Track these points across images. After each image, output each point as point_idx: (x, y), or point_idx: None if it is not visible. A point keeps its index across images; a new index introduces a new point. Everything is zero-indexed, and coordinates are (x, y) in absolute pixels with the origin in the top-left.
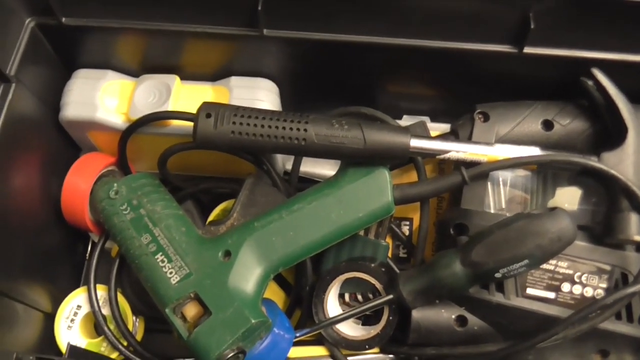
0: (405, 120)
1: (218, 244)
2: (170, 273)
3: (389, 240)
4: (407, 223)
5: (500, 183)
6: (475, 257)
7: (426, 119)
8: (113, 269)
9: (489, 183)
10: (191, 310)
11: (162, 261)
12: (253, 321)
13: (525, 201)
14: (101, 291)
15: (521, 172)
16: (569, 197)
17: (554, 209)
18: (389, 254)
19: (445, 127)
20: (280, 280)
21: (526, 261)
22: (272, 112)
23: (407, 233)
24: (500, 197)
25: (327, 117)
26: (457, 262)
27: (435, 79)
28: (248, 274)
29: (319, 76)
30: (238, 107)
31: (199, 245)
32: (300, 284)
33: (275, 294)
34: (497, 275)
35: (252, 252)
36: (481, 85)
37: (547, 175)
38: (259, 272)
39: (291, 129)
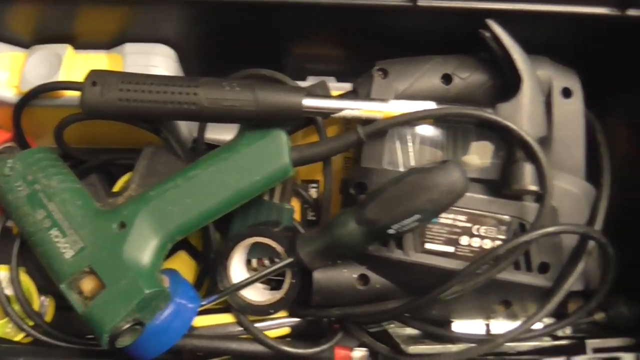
0: (310, 81)
1: (114, 215)
2: (65, 248)
3: (296, 203)
4: (315, 185)
5: (409, 140)
6: (369, 214)
7: (332, 79)
8: (14, 248)
9: (397, 141)
10: (88, 285)
11: (57, 236)
12: (147, 291)
13: (437, 157)
14: (4, 271)
15: (431, 129)
16: (481, 152)
17: (445, 162)
18: (297, 218)
19: (350, 87)
20: (191, 249)
21: (418, 216)
22: (161, 77)
23: (315, 195)
24: (409, 154)
25: (219, 80)
26: (352, 221)
27: (337, 37)
28: (143, 244)
29: (221, 40)
30: (125, 74)
31: (95, 218)
32: (207, 252)
33: (186, 263)
34: (391, 231)
35: (148, 222)
36: (382, 42)
37: (457, 130)
38: (155, 241)
39: (180, 93)
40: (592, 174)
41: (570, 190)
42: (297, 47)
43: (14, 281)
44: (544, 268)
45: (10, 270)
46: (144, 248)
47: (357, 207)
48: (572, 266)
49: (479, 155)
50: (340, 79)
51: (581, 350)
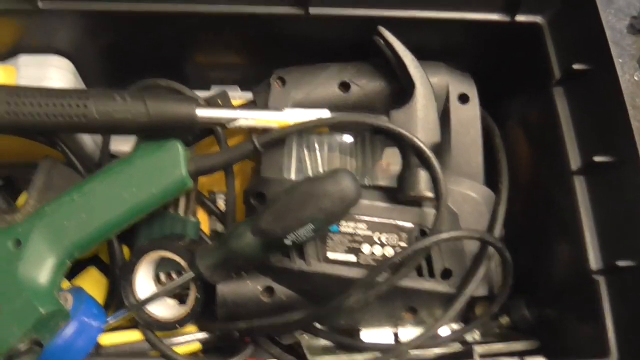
0: (214, 90)
1: (9, 232)
2: None
3: (203, 215)
4: (222, 196)
5: (317, 148)
6: (264, 224)
7: (235, 87)
8: None
9: (304, 149)
10: None
11: None
12: (43, 312)
13: (347, 164)
14: None
15: (340, 135)
16: (393, 158)
17: (336, 170)
18: (205, 229)
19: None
20: (102, 265)
21: (311, 225)
22: (50, 90)
23: (223, 207)
24: (317, 162)
25: (110, 92)
26: (248, 232)
27: (237, 46)
28: (40, 262)
29: (120, 50)
30: (12, 87)
31: None
32: (113, 270)
33: (96, 280)
34: (287, 241)
35: (43, 239)
36: (280, 49)
37: (364, 137)
38: (52, 259)
39: (70, 105)
40: (492, 179)
41: (470, 195)
42: (198, 56)
43: None
44: (446, 274)
45: None
46: (40, 266)
47: (253, 218)
48: (473, 271)
49: (392, 162)
50: (244, 87)
51: (469, 356)
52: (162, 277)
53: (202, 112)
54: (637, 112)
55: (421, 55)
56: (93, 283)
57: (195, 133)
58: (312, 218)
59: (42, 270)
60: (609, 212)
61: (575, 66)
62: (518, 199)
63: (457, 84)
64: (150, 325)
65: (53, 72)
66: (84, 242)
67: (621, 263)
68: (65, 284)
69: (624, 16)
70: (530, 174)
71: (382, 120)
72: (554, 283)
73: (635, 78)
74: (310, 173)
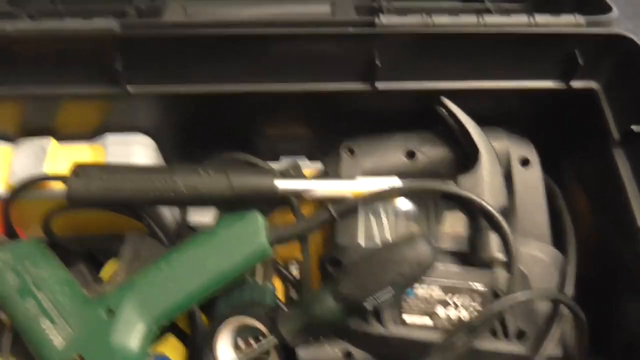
0: (283, 161)
1: (101, 302)
2: (54, 336)
3: (278, 282)
4: (295, 264)
5: (382, 215)
6: (344, 289)
7: (303, 158)
8: (4, 336)
9: (371, 216)
10: None
11: (46, 324)
12: None
13: (412, 230)
14: None
15: (404, 202)
16: (454, 222)
17: (413, 236)
18: (281, 296)
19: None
20: (179, 333)
21: (390, 288)
22: (140, 167)
23: (296, 274)
24: (384, 228)
25: (194, 167)
26: (329, 297)
27: (306, 119)
28: (131, 330)
29: (196, 127)
30: (106, 166)
31: (83, 306)
32: (195, 337)
33: (174, 347)
34: (366, 304)
35: (133, 307)
36: (348, 122)
37: (429, 202)
38: (142, 326)
39: (159, 181)
40: (558, 239)
41: (538, 256)
42: (268, 129)
43: None
44: (521, 335)
45: None
46: (131, 333)
47: (333, 284)
48: (547, 332)
49: (452, 226)
50: (311, 157)
51: None
52: (240, 343)
53: (282, 184)
54: None
55: (481, 121)
56: (172, 350)
57: (273, 204)
58: (392, 282)
59: (133, 337)
60: None
61: (635, 127)
62: (585, 259)
63: (518, 148)
64: None
65: (137, 149)
66: (172, 310)
67: None
68: None
69: None
70: (596, 234)
71: (451, 187)
72: (627, 341)
73: None
74: (378, 239)
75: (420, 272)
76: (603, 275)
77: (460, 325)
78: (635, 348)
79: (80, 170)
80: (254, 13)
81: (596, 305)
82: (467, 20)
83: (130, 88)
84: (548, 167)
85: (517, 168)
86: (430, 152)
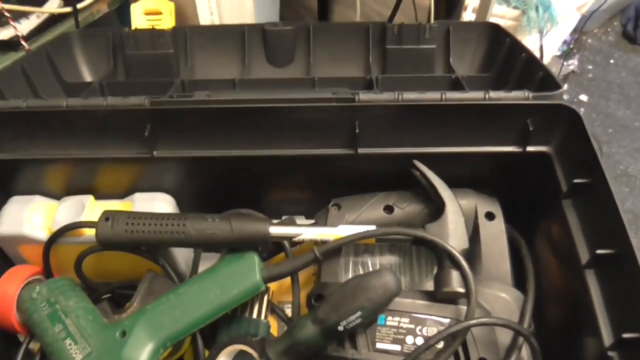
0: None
1: (117, 326)
2: (75, 353)
3: (273, 320)
4: (289, 305)
5: (370, 266)
6: (321, 314)
7: (301, 217)
8: None
9: (360, 267)
10: None
11: (69, 344)
12: None
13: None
14: None
15: (389, 256)
16: None
17: (380, 269)
18: (275, 333)
19: None
20: None
21: (360, 312)
22: (158, 214)
23: (289, 313)
24: None
25: (203, 215)
26: (309, 322)
27: (301, 183)
28: (140, 348)
29: (210, 189)
30: (131, 212)
31: (102, 329)
32: None
33: None
34: (340, 327)
35: (144, 330)
36: (337, 185)
37: (412, 257)
38: (151, 346)
39: (172, 225)
40: (522, 283)
41: (500, 295)
42: (272, 193)
43: None
44: None
45: None
46: (140, 351)
47: (313, 311)
48: None
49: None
50: (309, 217)
51: None
52: None
53: (274, 230)
54: None
55: (453, 184)
56: None
57: (269, 248)
58: (361, 307)
59: (141, 355)
60: (615, 296)
61: (577, 181)
62: (547, 300)
63: (484, 205)
64: None
65: (160, 205)
66: (177, 333)
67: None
68: None
69: None
70: (554, 276)
71: (419, 231)
72: None
73: None
74: None
75: (386, 299)
76: (560, 312)
77: (421, 346)
78: None
79: (109, 215)
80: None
81: (553, 339)
82: (432, 97)
83: (155, 153)
84: (515, 221)
85: (482, 221)
86: (406, 207)
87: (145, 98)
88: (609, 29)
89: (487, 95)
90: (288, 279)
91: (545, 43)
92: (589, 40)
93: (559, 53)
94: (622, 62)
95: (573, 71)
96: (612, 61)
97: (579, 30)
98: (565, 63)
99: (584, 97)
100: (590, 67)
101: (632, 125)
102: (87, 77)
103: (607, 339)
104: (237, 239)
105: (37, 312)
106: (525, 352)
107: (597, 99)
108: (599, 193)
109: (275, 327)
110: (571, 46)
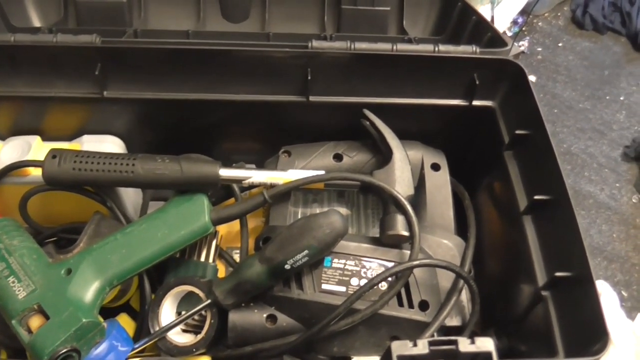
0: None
1: (62, 265)
2: (19, 290)
3: (221, 265)
4: (237, 251)
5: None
6: (269, 253)
7: (252, 166)
8: None
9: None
10: (35, 322)
11: (13, 282)
12: (84, 320)
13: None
14: None
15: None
16: None
17: (328, 210)
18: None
19: None
20: (132, 312)
21: (306, 251)
22: (107, 153)
23: (237, 259)
24: None
25: (153, 155)
26: (256, 261)
27: (253, 132)
28: (86, 286)
29: (161, 133)
30: (79, 151)
31: (46, 268)
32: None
33: (127, 323)
34: (287, 266)
35: (90, 268)
36: (287, 134)
37: (359, 209)
38: (96, 284)
39: (122, 164)
40: (464, 230)
41: (443, 242)
42: (224, 143)
43: None
44: (423, 305)
45: None
46: (86, 288)
47: (260, 250)
48: (446, 303)
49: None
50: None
51: None
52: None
53: (224, 172)
54: (638, 231)
55: (401, 136)
56: (124, 324)
57: (218, 193)
58: (308, 245)
59: (87, 292)
60: (550, 240)
61: (518, 132)
62: (487, 247)
63: (430, 156)
64: (170, 351)
65: (109, 147)
66: (124, 272)
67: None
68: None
69: (617, 146)
70: (492, 223)
71: (366, 177)
72: (514, 316)
73: (634, 200)
74: None
75: (333, 238)
76: (496, 257)
77: (364, 285)
78: (519, 321)
79: (56, 152)
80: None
81: (493, 286)
82: (383, 47)
83: (105, 93)
84: (459, 174)
85: (428, 172)
86: (355, 156)
87: (96, 36)
88: (559, 14)
89: (436, 48)
90: (237, 225)
91: (496, 16)
92: (540, 24)
93: (510, 33)
94: (570, 46)
95: (523, 52)
96: (560, 44)
97: (530, 12)
98: (515, 44)
99: (532, 78)
100: (539, 49)
101: (576, 106)
102: (36, 22)
103: (541, 279)
104: (186, 180)
105: None
106: (465, 295)
107: (544, 80)
108: (539, 143)
109: (222, 272)
110: (523, 28)
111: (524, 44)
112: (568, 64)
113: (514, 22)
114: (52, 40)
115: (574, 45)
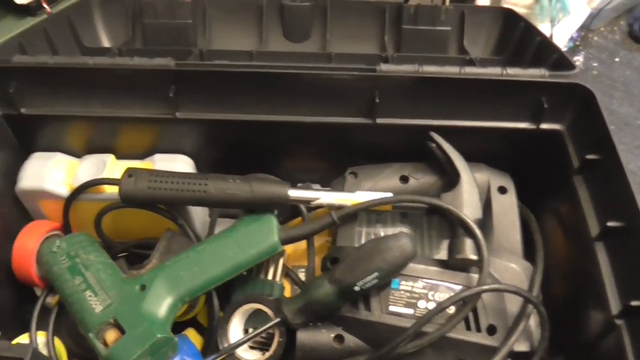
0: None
1: (136, 281)
2: (95, 304)
3: (287, 283)
4: (303, 270)
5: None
6: (338, 275)
7: (317, 185)
8: (51, 316)
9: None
10: (111, 336)
11: (90, 296)
12: (159, 335)
13: None
14: (41, 337)
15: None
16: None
17: (398, 233)
18: (288, 296)
19: None
20: (199, 327)
21: (376, 273)
22: (180, 173)
23: (303, 278)
24: None
25: (224, 175)
26: (325, 282)
27: (318, 152)
28: (159, 302)
29: (229, 153)
30: (154, 170)
31: (121, 283)
32: (211, 323)
33: (194, 338)
34: (356, 288)
35: (163, 284)
36: (353, 154)
37: (423, 229)
38: (169, 300)
39: (194, 183)
40: (532, 256)
41: (510, 266)
42: (289, 162)
43: (49, 344)
44: (491, 330)
45: (46, 336)
46: (159, 304)
47: (330, 271)
48: (515, 327)
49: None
50: (325, 185)
51: None
52: (251, 330)
53: (293, 193)
54: None
55: (466, 158)
56: (192, 339)
57: (285, 213)
58: (378, 268)
59: (161, 308)
60: (623, 267)
61: (589, 156)
62: (555, 272)
63: (496, 179)
64: None
65: (180, 167)
66: (195, 288)
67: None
68: None
69: None
70: (563, 249)
71: (435, 199)
72: (585, 342)
73: None
74: None
75: (402, 261)
76: (568, 284)
77: (434, 309)
78: (590, 349)
79: (132, 172)
80: None
81: (561, 311)
82: (450, 70)
83: (178, 114)
84: (525, 197)
85: (495, 195)
86: (421, 178)
87: (170, 59)
88: (615, 28)
89: (504, 72)
90: (303, 245)
91: (555, 34)
92: (595, 38)
93: (565, 49)
94: (627, 61)
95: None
96: (617, 59)
97: (586, 28)
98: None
99: None
100: (595, 64)
101: (634, 122)
102: (106, 42)
103: (615, 307)
104: (256, 200)
105: (57, 265)
106: (533, 320)
107: (600, 96)
108: (610, 168)
109: (288, 291)
110: (577, 43)
111: (579, 59)
112: (625, 79)
113: (569, 38)
114: (128, 63)
115: (631, 60)
